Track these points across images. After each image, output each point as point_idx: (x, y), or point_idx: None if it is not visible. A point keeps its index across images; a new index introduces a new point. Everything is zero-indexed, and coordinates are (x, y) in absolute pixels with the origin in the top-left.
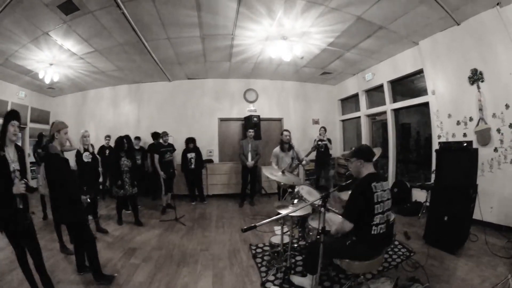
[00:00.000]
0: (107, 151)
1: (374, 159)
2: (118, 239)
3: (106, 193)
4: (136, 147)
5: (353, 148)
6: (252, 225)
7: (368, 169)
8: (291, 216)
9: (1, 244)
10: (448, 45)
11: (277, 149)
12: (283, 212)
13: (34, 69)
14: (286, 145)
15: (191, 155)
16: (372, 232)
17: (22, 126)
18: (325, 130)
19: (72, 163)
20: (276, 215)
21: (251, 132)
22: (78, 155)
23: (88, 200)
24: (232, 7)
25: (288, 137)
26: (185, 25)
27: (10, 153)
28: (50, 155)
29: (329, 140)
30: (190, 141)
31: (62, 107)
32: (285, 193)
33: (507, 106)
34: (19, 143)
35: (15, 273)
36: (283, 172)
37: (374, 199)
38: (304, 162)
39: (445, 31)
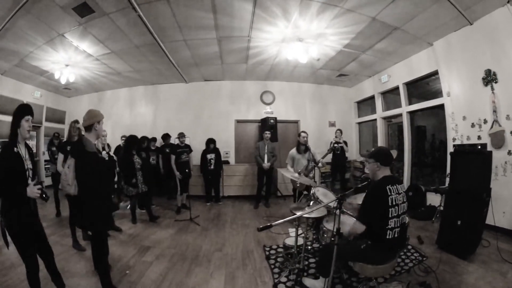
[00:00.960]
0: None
1: None
2: (131, 237)
3: (120, 193)
4: (152, 148)
5: (373, 149)
6: (268, 224)
7: (383, 172)
8: (306, 218)
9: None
10: (461, 45)
11: (293, 151)
12: (298, 213)
13: (49, 70)
14: (303, 147)
15: (210, 156)
16: (387, 237)
17: (37, 125)
18: (341, 132)
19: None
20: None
21: (267, 134)
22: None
23: (128, 207)
24: (248, 9)
25: (305, 138)
26: (201, 27)
27: (22, 151)
28: (85, 153)
29: (345, 143)
30: (211, 141)
31: (78, 107)
32: (301, 195)
33: None
34: (33, 142)
35: (19, 270)
36: (299, 173)
37: (389, 202)
38: (320, 165)
39: (458, 31)
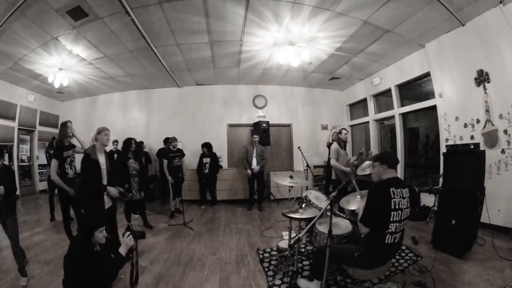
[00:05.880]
0: (115, 155)
1: None
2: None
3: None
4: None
5: (378, 153)
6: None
7: (389, 175)
8: (299, 221)
9: (5, 243)
10: (454, 46)
11: (337, 147)
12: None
13: (43, 73)
14: (343, 143)
15: (206, 160)
16: (386, 241)
17: (31, 129)
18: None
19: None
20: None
21: (256, 138)
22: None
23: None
24: (240, 14)
25: (347, 135)
26: (193, 31)
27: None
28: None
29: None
30: (204, 146)
31: (71, 111)
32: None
33: None
34: (27, 146)
35: (13, 275)
36: (291, 177)
37: (391, 205)
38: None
39: (450, 32)
